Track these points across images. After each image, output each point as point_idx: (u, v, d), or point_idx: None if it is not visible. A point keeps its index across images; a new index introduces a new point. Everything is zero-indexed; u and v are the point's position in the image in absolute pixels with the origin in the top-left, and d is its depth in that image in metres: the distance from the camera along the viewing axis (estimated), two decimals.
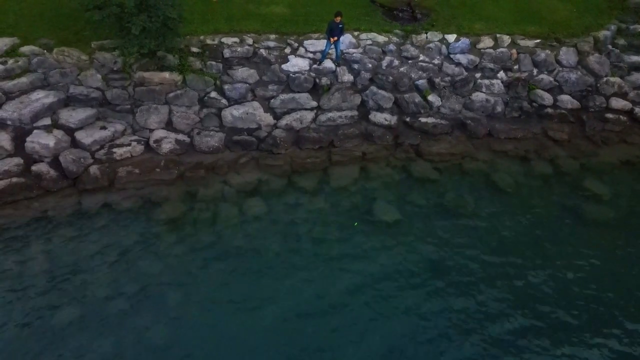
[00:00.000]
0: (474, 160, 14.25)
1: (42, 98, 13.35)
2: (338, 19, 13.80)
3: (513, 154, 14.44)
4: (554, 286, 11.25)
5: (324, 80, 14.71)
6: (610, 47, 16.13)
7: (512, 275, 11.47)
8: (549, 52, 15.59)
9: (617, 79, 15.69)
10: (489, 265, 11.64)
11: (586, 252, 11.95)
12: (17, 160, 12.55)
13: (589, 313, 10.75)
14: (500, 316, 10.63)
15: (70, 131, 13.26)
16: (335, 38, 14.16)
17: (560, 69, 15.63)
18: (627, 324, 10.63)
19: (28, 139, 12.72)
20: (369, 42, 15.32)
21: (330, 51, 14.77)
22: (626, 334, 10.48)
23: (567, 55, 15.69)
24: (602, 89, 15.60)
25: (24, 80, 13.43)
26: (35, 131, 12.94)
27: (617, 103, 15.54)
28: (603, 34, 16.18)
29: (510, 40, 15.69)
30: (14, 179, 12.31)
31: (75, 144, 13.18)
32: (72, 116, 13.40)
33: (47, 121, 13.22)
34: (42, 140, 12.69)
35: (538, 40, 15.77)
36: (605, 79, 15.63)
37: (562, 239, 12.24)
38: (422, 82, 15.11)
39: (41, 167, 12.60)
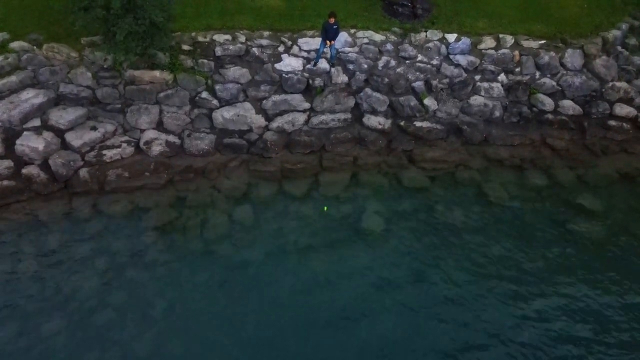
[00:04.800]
0: (468, 168, 14.00)
1: (31, 98, 13.27)
2: (332, 19, 13.30)
3: (508, 163, 14.14)
4: (535, 303, 11.28)
5: (318, 81, 14.36)
6: (619, 48, 15.38)
7: (496, 292, 11.49)
8: (554, 54, 14.94)
9: (623, 84, 15.06)
10: (474, 281, 11.66)
11: (573, 270, 11.87)
12: (8, 162, 12.63)
13: (568, 332, 10.82)
14: (484, 332, 10.75)
15: (60, 132, 13.24)
16: (332, 42, 13.70)
17: (565, 72, 15.01)
18: (607, 343, 10.69)
19: (18, 141, 12.74)
20: (366, 40, 14.80)
21: (325, 50, 14.33)
22: (609, 352, 10.57)
23: (573, 57, 15.04)
24: (607, 94, 15.02)
25: (13, 79, 13.31)
26: (25, 133, 12.95)
27: (622, 110, 14.99)
28: (613, 34, 15.40)
29: (513, 40, 15.03)
30: (5, 182, 12.43)
31: (65, 145, 13.19)
32: (62, 117, 13.34)
33: (36, 122, 13.19)
34: (31, 144, 12.71)
35: (543, 41, 15.08)
36: (610, 83, 15.01)
37: (550, 256, 12.14)
38: (419, 84, 14.67)
39: (31, 170, 12.68)
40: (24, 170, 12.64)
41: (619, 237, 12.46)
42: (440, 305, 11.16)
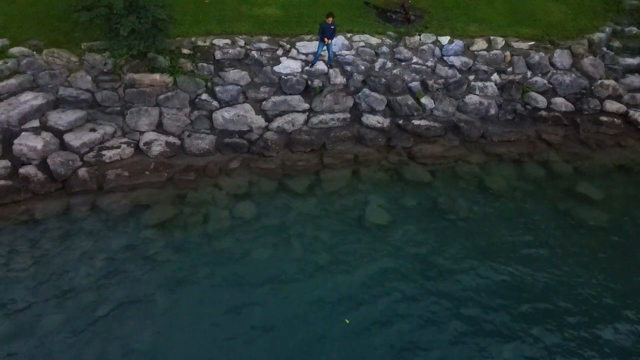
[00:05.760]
0: (467, 163, 14.14)
1: (30, 100, 13.22)
2: (330, 19, 13.69)
3: (506, 157, 14.33)
4: (545, 290, 11.16)
5: (316, 82, 14.60)
6: (605, 49, 16.02)
7: (503, 279, 11.35)
8: (543, 55, 15.50)
9: (611, 82, 15.59)
10: (481, 269, 11.52)
11: (578, 256, 11.84)
12: (5, 162, 12.42)
13: (578, 316, 10.66)
14: (491, 320, 10.53)
15: (59, 133, 13.12)
16: (328, 40, 14.04)
17: (555, 71, 15.53)
18: (616, 326, 10.52)
19: (16, 141, 12.58)
20: (362, 44, 15.21)
21: (322, 52, 14.65)
22: (615, 337, 10.38)
23: (561, 57, 15.60)
24: (597, 92, 15.51)
25: (12, 81, 13.30)
26: (23, 133, 12.80)
27: (612, 106, 15.44)
28: (598, 36, 16.08)
29: (504, 42, 15.59)
30: (2, 182, 12.17)
31: (63, 146, 13.05)
32: (61, 118, 13.27)
33: (35, 123, 13.09)
34: (30, 143, 12.56)
35: (532, 43, 15.67)
36: (599, 81, 15.53)
37: (555, 243, 12.13)
38: (415, 85, 15.00)
39: (29, 170, 12.46)
40: (21, 170, 12.41)
41: (620, 222, 12.55)
42: (445, 295, 10.93)
